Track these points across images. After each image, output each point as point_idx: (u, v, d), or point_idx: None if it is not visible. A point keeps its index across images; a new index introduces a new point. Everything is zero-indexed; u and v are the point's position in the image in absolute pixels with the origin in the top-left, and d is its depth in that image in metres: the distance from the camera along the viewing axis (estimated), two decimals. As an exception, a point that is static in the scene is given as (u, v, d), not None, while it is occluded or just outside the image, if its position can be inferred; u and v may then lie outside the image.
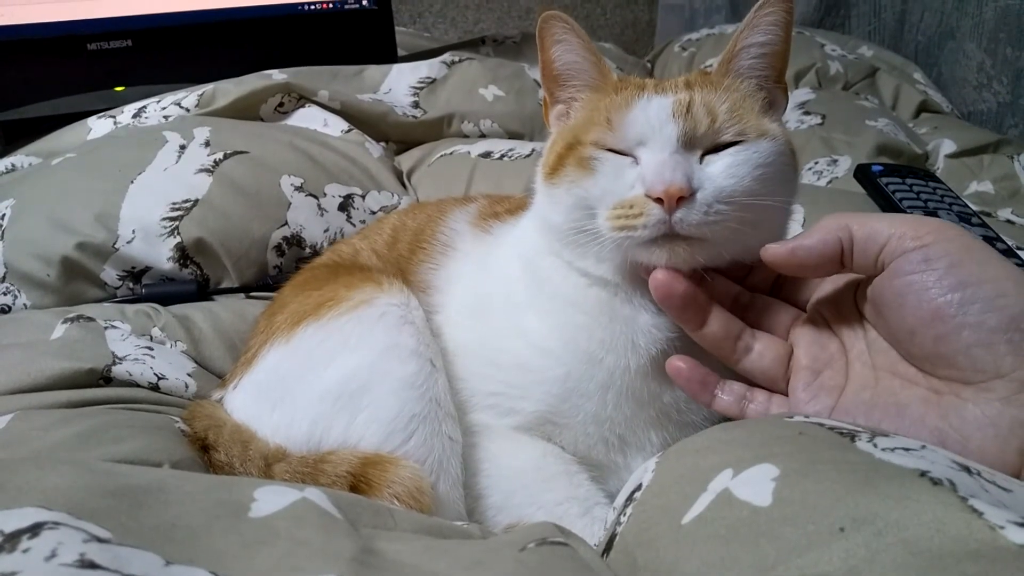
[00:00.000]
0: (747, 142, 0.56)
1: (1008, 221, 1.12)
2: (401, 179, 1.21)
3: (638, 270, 0.58)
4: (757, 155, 0.55)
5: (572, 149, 0.59)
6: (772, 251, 0.53)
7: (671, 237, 0.54)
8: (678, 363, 0.56)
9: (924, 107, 1.56)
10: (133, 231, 0.89)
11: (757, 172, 0.55)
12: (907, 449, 0.41)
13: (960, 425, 0.45)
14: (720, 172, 0.54)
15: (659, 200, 0.53)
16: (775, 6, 0.57)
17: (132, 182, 0.93)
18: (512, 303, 0.66)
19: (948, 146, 1.33)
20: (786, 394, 0.55)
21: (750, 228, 0.55)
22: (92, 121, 1.13)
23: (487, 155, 1.21)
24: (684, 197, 0.52)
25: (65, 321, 0.77)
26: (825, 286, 0.56)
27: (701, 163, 0.55)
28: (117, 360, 0.73)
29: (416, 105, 1.33)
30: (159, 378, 0.74)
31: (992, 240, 0.91)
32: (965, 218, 0.96)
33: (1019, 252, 0.91)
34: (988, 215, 1.10)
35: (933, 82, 1.67)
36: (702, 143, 0.56)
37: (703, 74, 0.61)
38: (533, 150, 1.21)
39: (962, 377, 0.45)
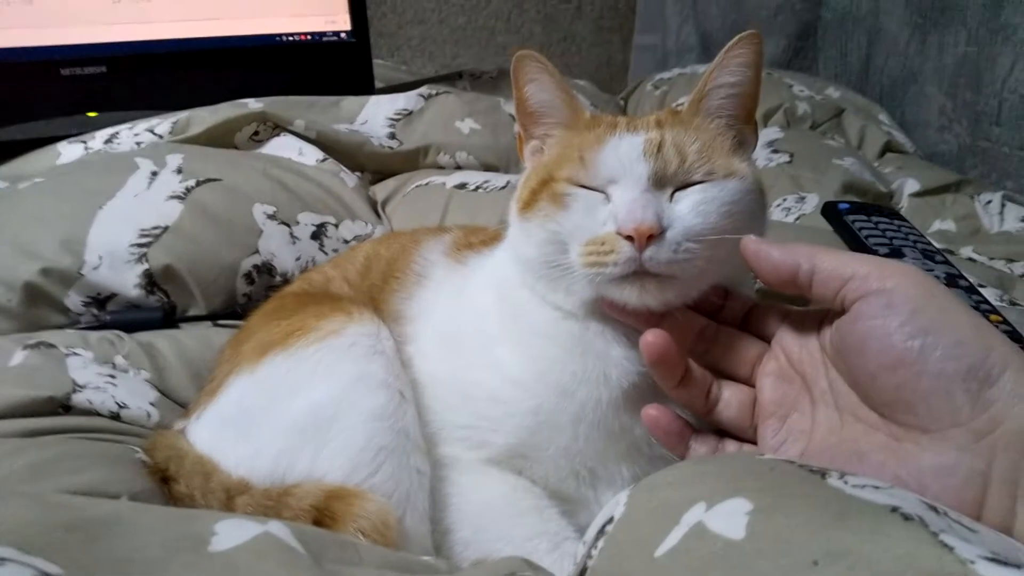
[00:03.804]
0: (715, 180, 0.57)
1: (970, 259, 1.15)
2: (375, 209, 1.20)
3: (604, 307, 0.58)
4: (724, 193, 0.56)
5: (546, 185, 0.60)
6: (748, 243, 0.54)
7: (641, 275, 0.54)
8: (653, 413, 0.56)
9: (888, 147, 1.59)
10: (100, 257, 0.88)
11: (724, 210, 0.56)
12: (876, 487, 0.41)
13: (918, 473, 0.45)
14: (688, 211, 0.55)
15: (630, 238, 0.53)
16: (744, 47, 0.58)
17: (101, 208, 0.91)
18: (485, 335, 0.66)
19: (912, 185, 1.37)
20: (754, 442, 0.55)
21: (718, 265, 0.55)
22: (62, 146, 1.11)
23: (462, 186, 1.22)
24: (654, 235, 0.53)
25: (25, 348, 0.75)
26: (789, 323, 0.57)
27: (671, 201, 0.56)
28: (77, 388, 0.71)
29: (393, 136, 1.34)
30: (120, 407, 0.72)
31: (955, 277, 0.93)
32: (929, 255, 0.98)
33: (980, 290, 0.93)
34: (951, 252, 1.13)
35: (897, 123, 1.72)
36: (672, 181, 0.56)
37: (674, 113, 0.62)
38: (508, 183, 1.22)
39: (920, 424, 0.45)
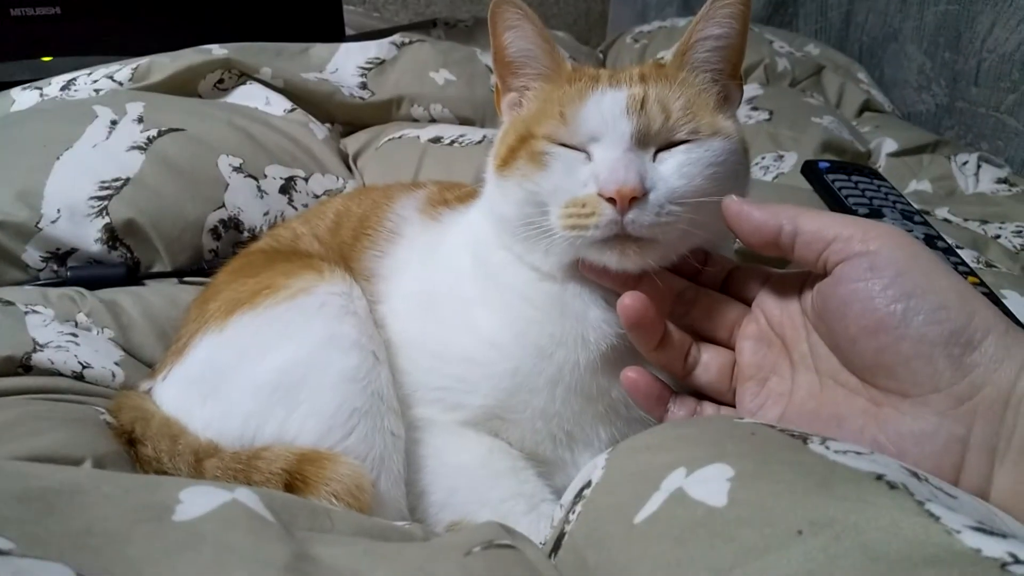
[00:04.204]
0: (700, 140, 0.55)
1: (945, 220, 1.15)
2: (347, 162, 1.17)
3: (583, 270, 0.57)
4: (709, 154, 0.55)
5: (524, 142, 0.58)
6: (730, 202, 0.52)
7: (622, 238, 0.53)
8: (632, 375, 0.55)
9: (867, 106, 1.59)
10: (58, 210, 0.84)
11: (709, 172, 0.54)
12: (858, 453, 0.41)
13: (897, 438, 0.44)
14: (672, 172, 0.54)
15: (612, 200, 0.51)
16: None
17: (58, 158, 0.88)
18: (461, 295, 0.64)
19: (889, 145, 1.36)
20: (733, 405, 0.55)
21: (700, 228, 0.54)
22: (16, 92, 1.07)
23: (437, 140, 1.19)
24: (637, 197, 0.51)
25: (-20, 305, 0.72)
26: (770, 286, 0.56)
27: (654, 161, 0.54)
28: (38, 347, 0.68)
29: (364, 86, 1.30)
30: (84, 367, 0.70)
31: (934, 238, 0.93)
32: (908, 216, 0.98)
33: (957, 251, 0.94)
34: (927, 213, 1.13)
35: (875, 82, 1.71)
36: (655, 140, 0.55)
37: (658, 66, 0.60)
38: (484, 137, 1.19)
39: (901, 389, 0.45)
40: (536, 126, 0.58)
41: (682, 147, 0.55)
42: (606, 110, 0.54)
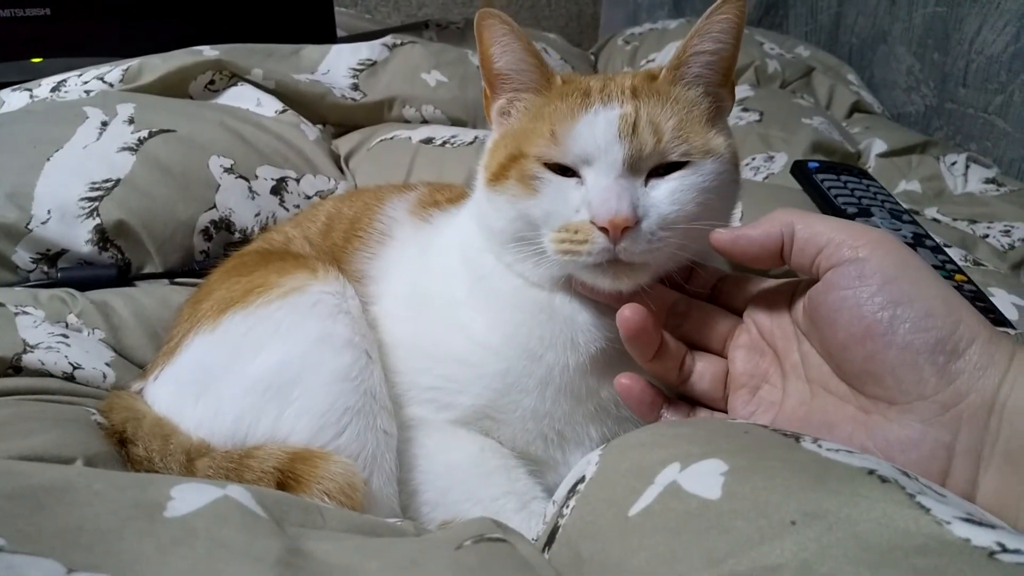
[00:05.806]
0: (692, 164, 0.55)
1: (934, 220, 1.16)
2: (338, 163, 1.17)
3: (576, 287, 0.58)
4: (701, 179, 0.54)
5: (515, 161, 0.57)
6: (718, 237, 0.53)
7: (615, 263, 0.53)
8: (626, 382, 0.55)
9: (857, 107, 1.60)
10: (48, 211, 0.84)
11: (701, 199, 0.54)
12: (850, 452, 0.41)
13: (885, 445, 0.45)
14: (664, 199, 0.53)
15: (604, 229, 0.52)
16: (727, 12, 0.55)
17: (48, 159, 0.87)
18: (452, 297, 0.64)
19: (879, 146, 1.37)
20: (725, 412, 0.55)
21: (690, 248, 0.55)
22: (5, 94, 1.06)
23: (429, 141, 1.19)
24: (629, 227, 0.51)
25: (-30, 306, 0.72)
26: (761, 296, 0.56)
27: (646, 186, 0.54)
28: (28, 348, 0.68)
29: (356, 87, 1.30)
30: (74, 368, 0.69)
31: (922, 237, 0.94)
32: (896, 215, 0.98)
33: (946, 250, 0.94)
34: (916, 213, 1.13)
35: (865, 83, 1.72)
36: (647, 163, 0.54)
37: (650, 79, 0.58)
38: (476, 138, 1.19)
39: (888, 396, 0.45)
40: (526, 144, 0.57)
41: (675, 174, 0.54)
42: (599, 134, 0.54)
